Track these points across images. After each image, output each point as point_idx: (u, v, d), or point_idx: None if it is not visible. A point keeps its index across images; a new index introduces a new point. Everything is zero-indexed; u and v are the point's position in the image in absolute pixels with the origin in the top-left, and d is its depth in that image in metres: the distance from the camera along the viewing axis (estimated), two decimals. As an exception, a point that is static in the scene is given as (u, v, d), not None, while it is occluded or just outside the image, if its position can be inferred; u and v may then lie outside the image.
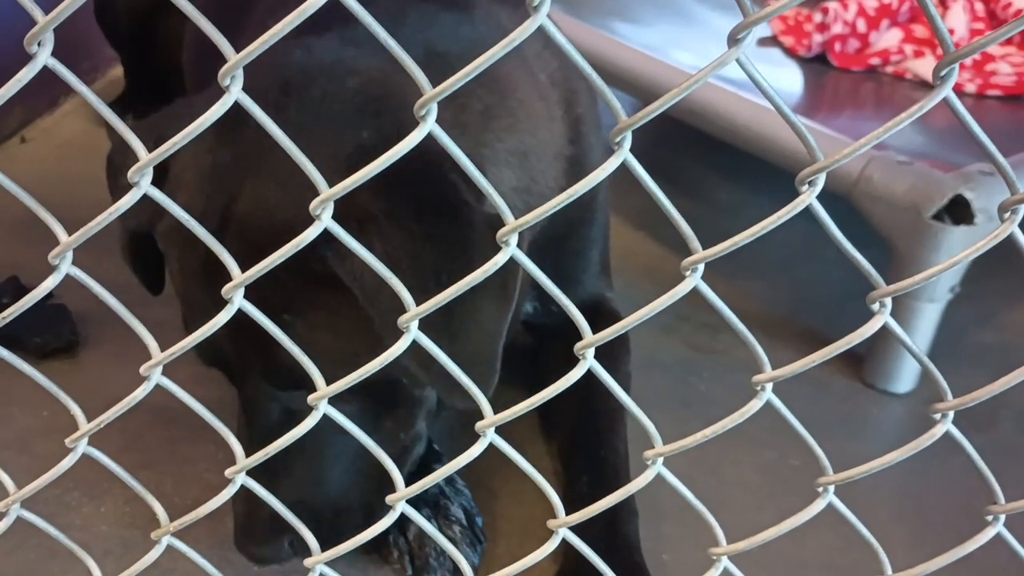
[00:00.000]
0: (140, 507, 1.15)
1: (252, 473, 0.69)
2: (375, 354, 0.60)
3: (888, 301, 0.54)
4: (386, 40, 0.50)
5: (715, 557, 0.64)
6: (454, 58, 0.96)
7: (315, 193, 0.55)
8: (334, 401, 0.63)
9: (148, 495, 0.69)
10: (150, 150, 0.55)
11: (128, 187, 1.11)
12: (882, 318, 0.54)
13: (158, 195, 0.56)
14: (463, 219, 0.82)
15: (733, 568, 0.66)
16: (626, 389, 1.22)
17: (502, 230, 0.55)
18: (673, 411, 1.35)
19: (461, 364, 0.60)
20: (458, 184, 0.82)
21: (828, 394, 1.43)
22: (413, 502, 1.06)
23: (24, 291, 1.43)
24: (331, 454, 0.97)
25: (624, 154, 0.52)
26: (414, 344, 0.59)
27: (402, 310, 0.58)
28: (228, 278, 0.59)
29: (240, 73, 0.52)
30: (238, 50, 0.51)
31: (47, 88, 2.03)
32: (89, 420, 0.65)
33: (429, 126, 0.53)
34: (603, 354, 0.59)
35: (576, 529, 0.67)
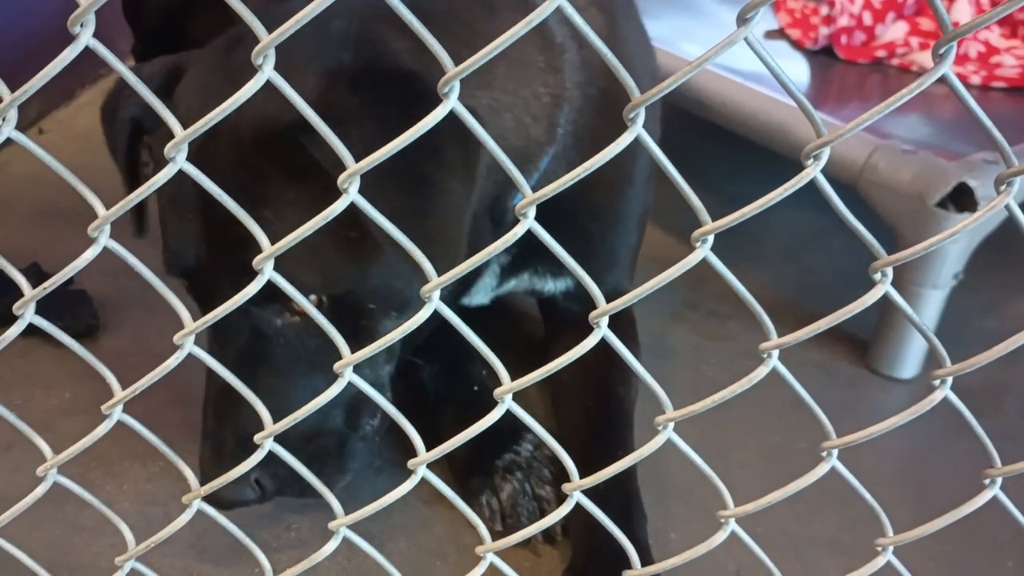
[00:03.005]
0: (161, 485, 1.18)
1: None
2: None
3: (889, 272, 0.57)
4: (412, 22, 0.53)
5: (723, 520, 0.66)
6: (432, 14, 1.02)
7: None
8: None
9: (179, 461, 0.72)
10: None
11: (117, 130, 1.18)
12: (883, 287, 0.56)
13: (192, 170, 0.59)
14: (432, 106, 0.91)
15: (741, 532, 0.68)
16: (634, 396, 1.25)
17: (521, 203, 0.58)
18: (682, 396, 1.36)
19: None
20: (429, 87, 0.91)
21: (834, 380, 1.46)
22: (507, 467, 1.15)
23: (45, 277, 1.44)
24: (300, 384, 1.01)
25: (637, 129, 0.55)
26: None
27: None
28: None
29: (272, 53, 0.55)
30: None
31: (64, 79, 2.05)
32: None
33: (452, 103, 0.56)
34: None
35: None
